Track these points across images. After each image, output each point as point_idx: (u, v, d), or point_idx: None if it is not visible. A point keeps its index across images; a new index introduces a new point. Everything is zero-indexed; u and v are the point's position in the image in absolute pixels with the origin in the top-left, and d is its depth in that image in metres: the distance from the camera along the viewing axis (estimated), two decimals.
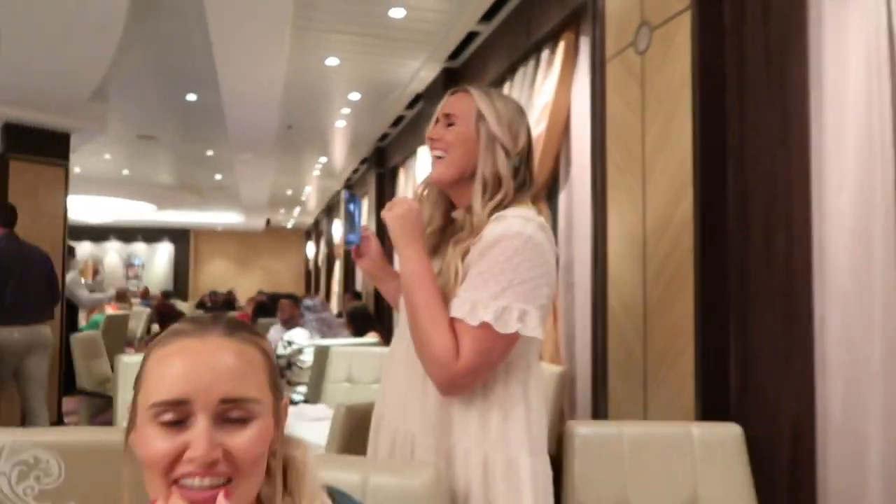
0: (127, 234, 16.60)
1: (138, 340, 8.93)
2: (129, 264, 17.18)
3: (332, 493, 0.84)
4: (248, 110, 5.43)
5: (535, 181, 1.42)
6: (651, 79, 2.15)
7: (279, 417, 0.79)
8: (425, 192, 1.46)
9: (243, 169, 8.30)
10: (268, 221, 15.96)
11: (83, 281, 5.99)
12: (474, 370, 1.22)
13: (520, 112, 1.40)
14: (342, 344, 3.80)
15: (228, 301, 10.86)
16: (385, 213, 1.33)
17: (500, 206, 1.31)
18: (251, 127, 5.98)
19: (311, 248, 16.23)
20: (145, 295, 13.90)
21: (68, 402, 5.97)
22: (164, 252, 17.62)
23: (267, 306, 6.39)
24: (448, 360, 1.21)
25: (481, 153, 1.34)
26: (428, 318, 1.24)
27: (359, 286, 8.27)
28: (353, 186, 9.63)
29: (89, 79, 4.64)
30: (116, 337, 6.79)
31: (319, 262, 14.06)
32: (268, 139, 6.49)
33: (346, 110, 6.03)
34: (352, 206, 1.58)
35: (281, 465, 0.79)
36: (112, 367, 5.46)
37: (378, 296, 6.74)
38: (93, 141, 6.55)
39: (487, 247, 1.24)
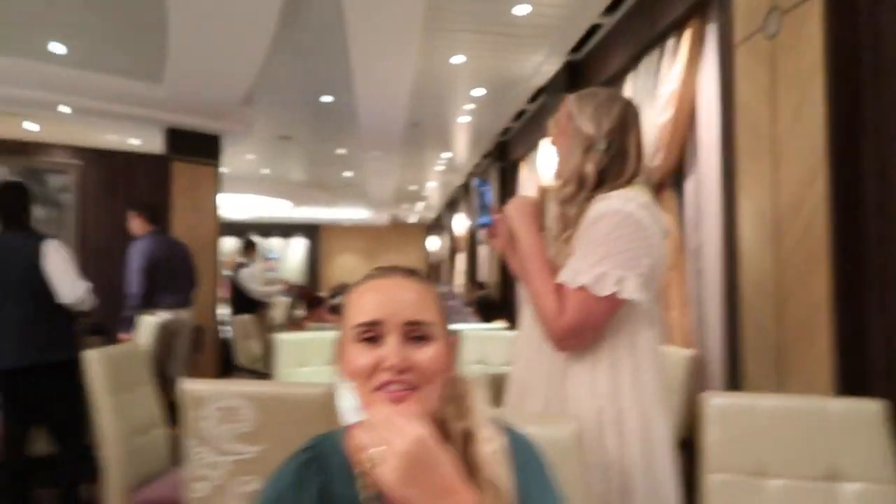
0: (265, 229, 17.81)
1: (279, 326, 9.66)
2: (266, 258, 18.43)
3: (501, 425, 1.01)
4: (378, 110, 5.76)
5: (641, 166, 1.53)
6: (782, 63, 2.16)
7: (451, 350, 0.98)
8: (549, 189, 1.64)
9: (372, 165, 8.74)
10: (392, 217, 16.58)
11: (269, 273, 6.64)
12: (577, 327, 1.40)
13: (609, 99, 1.52)
14: (472, 329, 4.00)
15: None
16: (506, 207, 1.57)
17: (598, 193, 1.46)
18: (380, 125, 6.33)
19: (432, 241, 16.69)
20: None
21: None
22: (298, 246, 18.74)
23: None
24: (554, 318, 1.42)
25: (573, 150, 1.50)
26: (539, 283, 1.46)
27: (483, 276, 8.49)
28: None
29: (240, 85, 5.14)
30: (261, 325, 7.43)
31: (442, 255, 14.46)
32: (395, 137, 6.83)
33: (469, 106, 6.24)
34: (483, 192, 1.75)
35: (455, 391, 0.98)
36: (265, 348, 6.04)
37: (503, 285, 6.92)
38: (239, 143, 7.20)
39: (591, 223, 1.42)
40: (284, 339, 3.63)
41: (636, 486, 1.39)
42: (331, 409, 1.70)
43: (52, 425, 3.25)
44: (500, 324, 4.57)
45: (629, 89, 3.72)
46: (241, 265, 6.75)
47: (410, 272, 1.01)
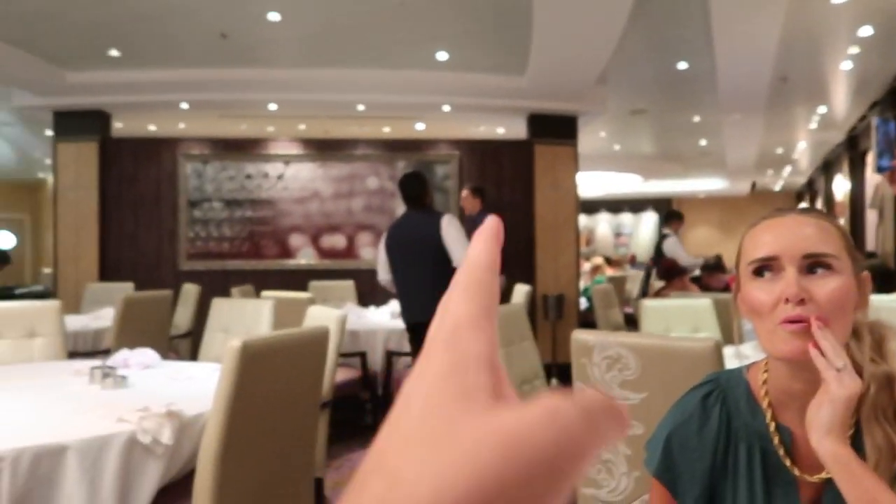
0: (615, 205, 17.98)
1: (634, 300, 9.73)
2: (617, 233, 18.59)
3: None
4: (741, 69, 5.39)
5: None
6: None
7: (862, 287, 0.95)
8: None
9: (731, 131, 8.20)
10: (753, 185, 15.26)
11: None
12: None
13: None
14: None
15: (718, 265, 10.81)
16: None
17: None
18: (742, 85, 5.90)
19: None
20: (633, 261, 14.90)
21: None
22: (648, 221, 18.50)
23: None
24: None
25: None
26: None
27: (870, 245, 7.35)
28: (858, 137, 8.54)
29: (597, 65, 5.31)
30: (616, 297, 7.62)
31: None
32: (759, 96, 6.30)
33: (853, 49, 5.44)
34: (886, 130, 1.56)
35: (874, 335, 0.94)
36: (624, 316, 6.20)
37: None
38: (592, 121, 7.43)
39: None
40: (649, 305, 3.72)
41: None
42: (717, 363, 1.73)
43: None
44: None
45: None
46: (664, 236, 7.02)
47: (807, 210, 1.00)
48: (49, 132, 6.66)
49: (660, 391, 1.82)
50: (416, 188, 3.93)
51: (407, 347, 4.50)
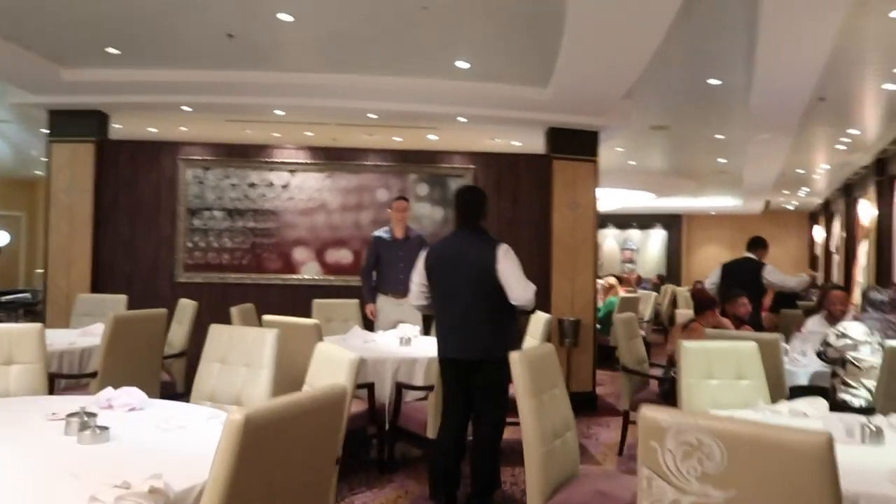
0: (623, 220, 17.65)
1: (646, 322, 9.38)
2: (624, 249, 18.26)
3: None
4: (780, 86, 5.07)
5: None
6: None
7: None
8: None
9: (755, 149, 7.88)
10: (767, 204, 14.95)
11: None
12: None
13: None
14: None
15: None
16: None
17: None
18: (778, 104, 5.58)
19: (818, 231, 14.59)
20: (639, 281, 14.33)
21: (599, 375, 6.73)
22: (656, 238, 18.19)
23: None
24: None
25: None
26: None
27: None
28: (887, 161, 8.22)
29: (626, 79, 4.98)
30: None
31: (833, 247, 12.52)
32: (793, 116, 5.98)
33: None
34: None
35: None
36: (647, 349, 5.81)
37: None
38: (612, 136, 7.09)
39: None
40: (689, 348, 3.37)
41: None
42: (828, 465, 1.40)
43: (476, 415, 3.51)
44: None
45: None
46: (755, 264, 6.06)
47: None
48: (45, 130, 6.34)
49: (752, 490, 1.48)
50: (476, 205, 3.50)
51: (418, 379, 4.16)
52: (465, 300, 3.37)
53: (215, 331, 3.31)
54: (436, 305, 3.55)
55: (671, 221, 17.86)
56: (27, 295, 7.50)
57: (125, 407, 2.51)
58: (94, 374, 3.94)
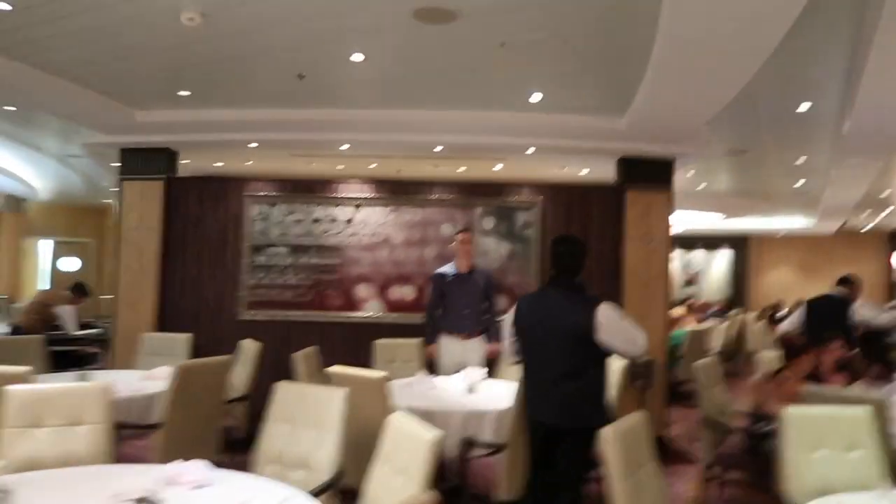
0: (688, 241, 17.03)
1: (717, 354, 8.80)
2: (687, 269, 17.63)
3: None
4: (881, 112, 4.67)
5: None
6: None
7: None
8: None
9: (840, 172, 7.38)
10: (841, 225, 14.15)
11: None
12: None
13: None
14: None
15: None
16: None
17: None
18: (875, 130, 5.16)
19: None
20: (706, 309, 13.14)
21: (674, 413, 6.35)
22: (722, 259, 17.49)
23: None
24: None
25: None
26: None
27: None
28: None
29: (712, 110, 4.67)
30: (698, 354, 6.73)
31: None
32: (892, 141, 5.53)
33: None
34: None
35: None
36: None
37: None
38: (687, 163, 6.73)
39: None
40: (795, 415, 2.99)
41: None
42: None
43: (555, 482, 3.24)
44: None
45: None
46: (847, 303, 5.59)
47: None
48: (115, 164, 6.44)
49: None
50: (572, 258, 3.12)
51: (486, 434, 3.89)
52: (556, 368, 3.07)
53: (282, 389, 3.17)
54: (524, 363, 3.29)
55: (739, 242, 17.13)
56: (100, 330, 7.63)
57: (192, 484, 2.36)
58: (157, 426, 3.86)
